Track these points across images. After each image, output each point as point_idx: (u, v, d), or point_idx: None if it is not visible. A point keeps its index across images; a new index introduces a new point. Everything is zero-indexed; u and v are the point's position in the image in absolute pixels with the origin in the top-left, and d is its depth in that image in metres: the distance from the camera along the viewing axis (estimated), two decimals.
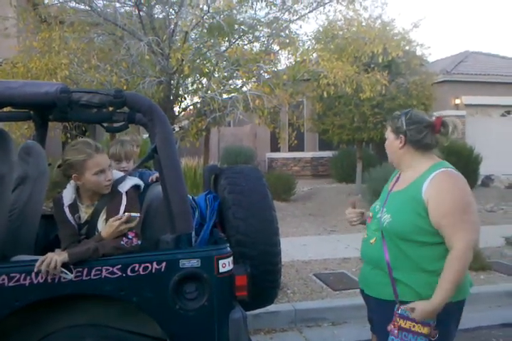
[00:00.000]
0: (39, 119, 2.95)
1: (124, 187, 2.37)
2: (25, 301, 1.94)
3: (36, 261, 1.95)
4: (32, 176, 2.58)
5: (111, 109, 2.11)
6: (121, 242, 2.17)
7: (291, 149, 15.33)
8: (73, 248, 2.11)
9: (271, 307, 4.20)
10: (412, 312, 1.99)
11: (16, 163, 2.49)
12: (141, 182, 2.50)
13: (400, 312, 2.03)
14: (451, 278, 1.95)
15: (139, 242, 2.25)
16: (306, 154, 15.98)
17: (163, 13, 6.03)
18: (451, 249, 1.99)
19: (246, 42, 6.60)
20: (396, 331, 2.01)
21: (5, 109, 2.49)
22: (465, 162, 10.01)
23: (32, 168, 2.60)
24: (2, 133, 2.41)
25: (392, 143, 2.23)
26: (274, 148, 15.74)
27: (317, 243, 6.97)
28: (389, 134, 2.26)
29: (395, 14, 27.82)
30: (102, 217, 2.32)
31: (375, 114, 10.08)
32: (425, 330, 1.98)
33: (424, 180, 2.09)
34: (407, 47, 9.59)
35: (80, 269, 1.95)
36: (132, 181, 2.44)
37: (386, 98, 9.86)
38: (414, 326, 1.99)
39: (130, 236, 2.26)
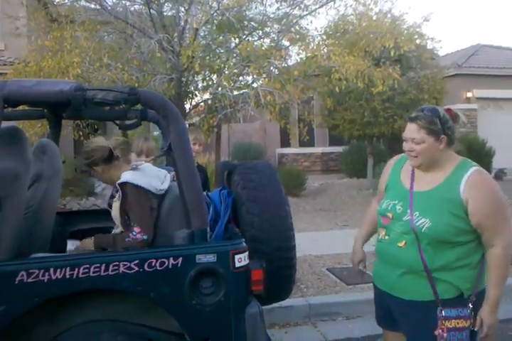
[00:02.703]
0: (53, 117, 2.97)
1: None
2: (44, 297, 1.96)
3: (55, 257, 1.98)
4: (47, 174, 2.60)
5: (125, 106, 2.12)
6: (127, 239, 2.20)
7: (301, 145, 15.27)
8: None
9: (285, 302, 4.20)
10: (482, 327, 2.03)
11: (31, 161, 2.51)
12: (139, 182, 2.42)
13: (444, 314, 2.04)
14: (500, 279, 2.03)
15: (145, 237, 2.29)
16: (317, 149, 15.93)
17: (173, 11, 6.04)
18: (493, 247, 2.03)
19: (256, 39, 6.58)
20: (445, 334, 2.04)
21: (19, 108, 2.52)
22: (477, 155, 9.92)
23: (47, 166, 2.63)
24: (17, 131, 2.43)
25: (433, 145, 2.09)
26: (284, 143, 15.72)
27: (329, 238, 6.98)
28: (425, 138, 2.08)
29: (405, 8, 27.65)
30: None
31: (385, 109, 10.01)
32: (467, 323, 2.04)
33: (459, 180, 2.06)
34: (417, 41, 9.51)
35: (98, 265, 1.97)
36: (126, 176, 2.45)
37: (397, 92, 9.79)
38: (458, 323, 2.04)
39: (135, 233, 2.30)
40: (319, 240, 6.76)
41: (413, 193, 2.14)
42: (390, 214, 2.18)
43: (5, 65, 11.12)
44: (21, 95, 2.01)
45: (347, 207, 9.54)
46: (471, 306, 2.05)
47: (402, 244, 2.11)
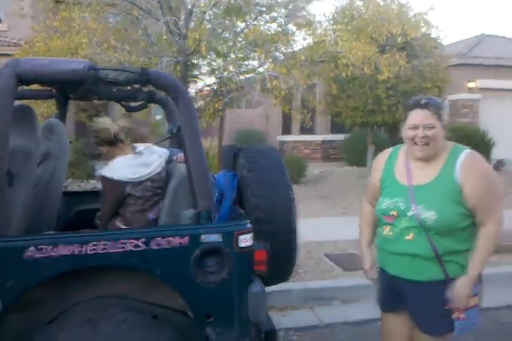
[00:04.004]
0: (61, 98, 3.00)
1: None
2: (52, 272, 2.00)
3: (64, 234, 2.03)
4: (55, 153, 2.64)
5: (136, 86, 2.15)
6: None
7: (302, 132, 15.27)
8: None
9: (283, 286, 4.28)
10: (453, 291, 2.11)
11: (40, 139, 2.55)
12: (118, 175, 2.56)
13: None
14: (487, 252, 2.13)
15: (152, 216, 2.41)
16: (317, 137, 15.91)
17: None
18: (484, 225, 2.11)
19: (263, 23, 6.56)
20: (463, 315, 2.15)
21: (28, 87, 2.54)
22: (475, 146, 9.91)
23: (55, 146, 2.67)
24: (28, 110, 2.47)
25: (440, 131, 2.13)
26: (285, 130, 15.70)
27: (328, 224, 7.05)
28: (437, 123, 2.11)
29: None
30: None
31: (389, 97, 9.99)
32: (477, 300, 2.17)
33: (454, 166, 2.11)
34: (423, 29, 9.45)
35: (106, 242, 2.02)
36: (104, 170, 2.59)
37: (401, 80, 9.76)
38: (470, 301, 2.14)
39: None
40: (318, 226, 6.82)
41: (413, 188, 2.16)
42: (394, 213, 2.19)
43: (9, 45, 11.08)
44: (35, 73, 2.03)
45: (346, 194, 9.59)
46: (479, 284, 2.16)
47: (409, 236, 2.16)
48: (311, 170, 11.69)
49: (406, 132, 2.18)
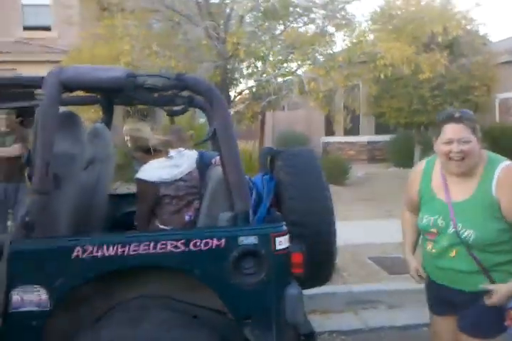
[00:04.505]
0: (106, 103, 3.11)
1: None
2: (97, 272, 2.09)
3: (108, 235, 2.11)
4: (100, 157, 2.75)
5: (173, 92, 2.21)
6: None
7: (346, 133, 15.08)
8: None
9: (327, 289, 4.26)
10: (492, 295, 2.06)
11: (85, 144, 2.66)
12: (150, 176, 2.67)
13: (510, 305, 2.10)
14: None
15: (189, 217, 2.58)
16: (362, 138, 15.70)
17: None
18: None
19: (301, 25, 6.56)
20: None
21: (74, 94, 2.65)
22: None
23: (100, 150, 2.77)
24: (73, 116, 2.58)
25: (476, 145, 2.07)
26: (329, 132, 15.58)
27: (373, 227, 6.93)
28: (472, 137, 2.05)
29: None
30: None
31: (434, 97, 9.75)
32: None
33: (490, 181, 2.06)
34: (468, 27, 9.18)
35: (147, 243, 2.08)
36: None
37: (447, 79, 9.51)
38: None
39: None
40: (362, 229, 6.73)
41: (451, 205, 2.13)
42: (434, 230, 2.18)
43: (58, 52, 11.55)
44: (77, 81, 2.13)
45: (392, 196, 9.39)
46: None
47: (453, 253, 2.15)
48: (355, 171, 11.55)
49: (440, 147, 2.11)
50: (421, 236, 2.37)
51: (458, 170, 2.10)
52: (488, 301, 2.09)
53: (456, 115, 2.07)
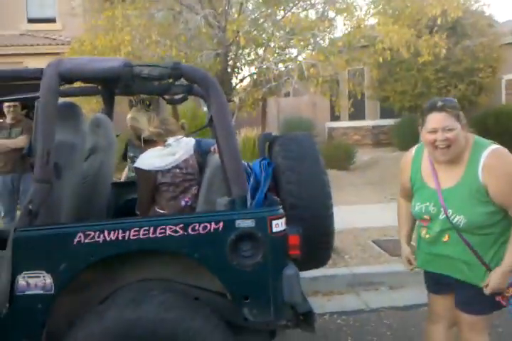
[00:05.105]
0: (106, 93, 3.17)
1: None
2: (99, 256, 2.16)
3: (109, 221, 2.18)
4: (102, 146, 2.81)
5: (170, 80, 2.25)
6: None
7: (351, 118, 15.03)
8: None
9: (329, 271, 4.35)
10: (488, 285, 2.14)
11: (86, 134, 2.72)
12: (147, 165, 2.75)
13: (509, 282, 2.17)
14: None
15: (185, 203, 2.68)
16: (367, 122, 15.65)
17: None
18: None
19: (301, 10, 6.52)
20: (505, 303, 2.20)
21: (75, 85, 2.71)
22: None
23: (102, 139, 2.83)
24: (73, 107, 2.64)
25: (460, 132, 2.12)
26: (334, 117, 15.53)
27: (376, 211, 6.98)
28: (456, 124, 2.10)
29: None
30: None
31: (439, 79, 9.72)
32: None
33: (476, 166, 2.11)
34: (473, 8, 9.07)
35: (147, 228, 2.15)
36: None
37: (451, 61, 9.45)
38: (508, 291, 2.17)
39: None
40: (365, 213, 6.79)
41: (441, 191, 2.19)
42: (426, 217, 2.26)
43: (63, 44, 11.59)
44: (75, 72, 2.18)
45: (397, 180, 9.41)
46: None
47: (445, 238, 2.22)
48: (360, 156, 11.56)
49: (425, 137, 2.16)
50: (417, 223, 2.43)
51: (444, 158, 2.15)
52: (487, 291, 2.16)
53: (439, 104, 2.12)
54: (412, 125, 12.40)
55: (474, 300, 2.25)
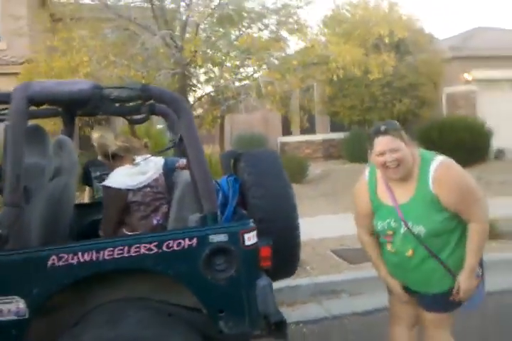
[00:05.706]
0: (67, 115, 3.17)
1: None
2: (73, 278, 2.15)
3: (83, 242, 2.19)
4: (66, 168, 2.80)
5: (138, 102, 2.31)
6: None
7: (302, 132, 15.38)
8: None
9: (292, 282, 4.43)
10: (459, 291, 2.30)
11: (52, 156, 2.72)
12: (118, 183, 2.74)
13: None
14: (478, 247, 2.29)
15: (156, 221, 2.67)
16: (318, 136, 16.02)
17: (174, 5, 6.15)
18: (471, 222, 2.28)
19: (256, 31, 6.70)
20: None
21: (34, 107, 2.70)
22: (477, 136, 10.09)
23: (65, 161, 2.82)
24: (39, 129, 2.64)
25: (406, 150, 2.27)
26: (286, 132, 15.84)
27: (332, 221, 7.16)
28: (401, 145, 2.26)
29: None
30: None
31: (385, 94, 10.17)
32: (479, 280, 2.37)
33: (427, 179, 2.26)
34: (415, 27, 9.59)
35: (121, 247, 2.17)
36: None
37: (396, 77, 9.92)
38: None
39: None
40: (322, 224, 6.94)
41: (398, 207, 2.34)
42: (390, 232, 2.38)
43: (7, 64, 11.25)
44: (44, 95, 2.20)
45: (349, 191, 9.68)
46: (479, 269, 2.36)
47: (409, 253, 2.34)
48: (313, 169, 11.82)
49: (375, 159, 2.32)
50: (380, 240, 2.50)
51: (396, 176, 2.32)
52: (461, 294, 2.31)
53: (382, 128, 2.29)
54: (361, 138, 12.98)
55: (440, 300, 2.39)
